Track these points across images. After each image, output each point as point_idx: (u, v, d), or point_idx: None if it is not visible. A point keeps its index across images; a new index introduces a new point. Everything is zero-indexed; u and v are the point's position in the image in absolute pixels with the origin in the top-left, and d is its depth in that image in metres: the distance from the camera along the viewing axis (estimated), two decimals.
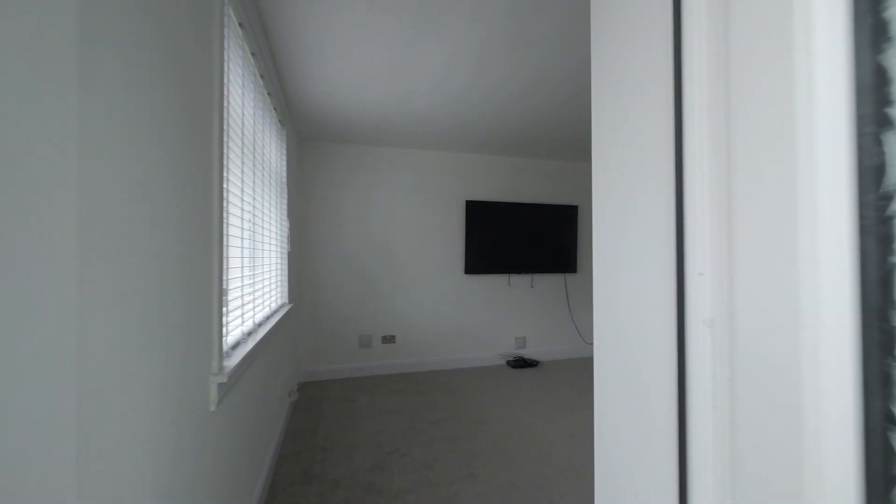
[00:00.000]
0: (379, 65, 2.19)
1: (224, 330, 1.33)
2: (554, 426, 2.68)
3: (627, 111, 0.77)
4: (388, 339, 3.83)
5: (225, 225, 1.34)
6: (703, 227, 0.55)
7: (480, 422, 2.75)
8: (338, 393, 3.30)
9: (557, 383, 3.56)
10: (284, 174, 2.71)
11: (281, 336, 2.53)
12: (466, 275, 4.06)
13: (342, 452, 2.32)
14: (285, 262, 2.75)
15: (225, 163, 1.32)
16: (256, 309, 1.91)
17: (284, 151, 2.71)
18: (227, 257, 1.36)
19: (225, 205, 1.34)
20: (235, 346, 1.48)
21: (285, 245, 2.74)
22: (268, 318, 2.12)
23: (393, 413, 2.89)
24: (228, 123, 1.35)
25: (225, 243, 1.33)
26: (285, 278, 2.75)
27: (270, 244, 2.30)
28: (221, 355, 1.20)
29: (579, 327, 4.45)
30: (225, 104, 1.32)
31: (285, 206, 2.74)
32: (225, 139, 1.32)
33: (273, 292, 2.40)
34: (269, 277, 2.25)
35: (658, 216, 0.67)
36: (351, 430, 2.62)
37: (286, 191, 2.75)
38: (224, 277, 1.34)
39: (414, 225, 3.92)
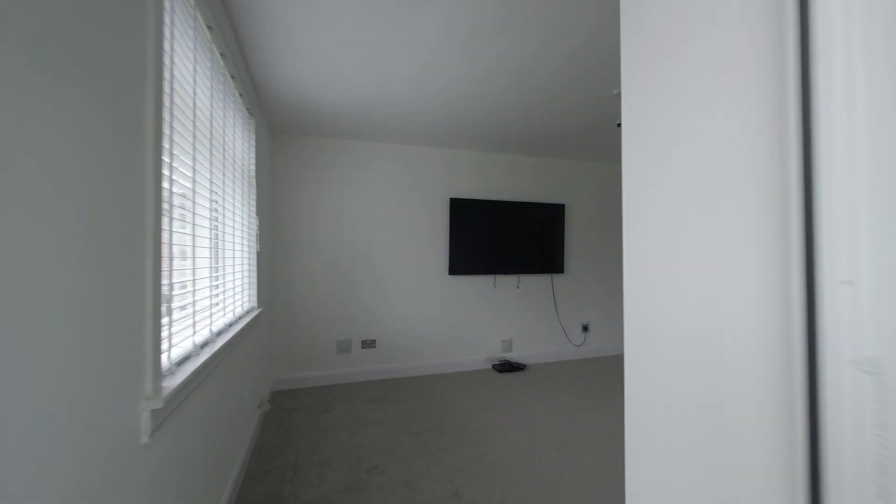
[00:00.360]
0: (356, 49, 2.01)
1: (167, 343, 1.13)
2: (542, 435, 2.54)
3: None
4: (369, 344, 3.64)
5: (168, 220, 1.14)
6: (855, 204, 0.33)
7: (465, 432, 2.58)
8: (313, 402, 3.09)
9: (544, 387, 3.42)
10: (253, 167, 2.49)
11: (249, 343, 2.32)
12: (451, 276, 3.89)
13: (315, 471, 2.13)
14: (254, 262, 2.53)
15: (168, 147, 1.13)
16: (216, 315, 1.71)
17: (253, 143, 2.50)
18: (172, 257, 1.16)
19: (168, 196, 1.14)
20: (184, 360, 1.28)
21: (254, 244, 2.53)
22: (231, 324, 1.91)
23: (372, 424, 2.70)
24: (172, 100, 1.16)
25: (168, 241, 1.14)
26: (254, 280, 2.54)
27: (235, 244, 2.09)
28: (158, 375, 1.00)
29: (566, 329, 4.34)
30: (167, 76, 1.12)
31: (254, 203, 2.53)
32: (168, 118, 1.12)
33: (239, 296, 2.19)
34: (234, 280, 2.04)
35: (760, 184, 0.44)
36: (326, 444, 2.42)
37: (255, 186, 2.54)
38: (167, 281, 1.14)
39: (395, 223, 3.73)
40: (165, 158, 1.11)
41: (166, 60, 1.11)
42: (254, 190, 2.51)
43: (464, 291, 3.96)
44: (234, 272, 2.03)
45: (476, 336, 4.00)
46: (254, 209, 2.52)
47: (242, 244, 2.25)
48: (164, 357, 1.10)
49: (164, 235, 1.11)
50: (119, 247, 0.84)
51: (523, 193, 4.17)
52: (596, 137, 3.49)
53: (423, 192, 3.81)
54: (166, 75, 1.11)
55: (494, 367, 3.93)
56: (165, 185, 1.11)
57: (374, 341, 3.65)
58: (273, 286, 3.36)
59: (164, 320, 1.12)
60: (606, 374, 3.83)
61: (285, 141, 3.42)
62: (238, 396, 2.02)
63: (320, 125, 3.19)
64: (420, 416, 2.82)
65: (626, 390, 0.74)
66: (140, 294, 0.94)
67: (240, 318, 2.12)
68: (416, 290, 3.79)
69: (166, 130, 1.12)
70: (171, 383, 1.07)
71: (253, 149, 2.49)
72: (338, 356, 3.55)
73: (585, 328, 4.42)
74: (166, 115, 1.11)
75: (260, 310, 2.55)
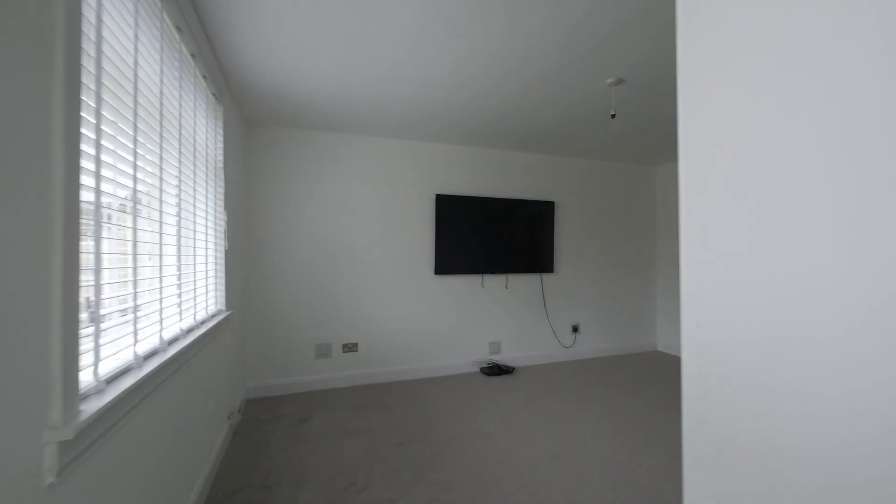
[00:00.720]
0: (331, 30, 1.83)
1: (91, 357, 0.94)
2: (533, 444, 2.39)
3: None
4: (350, 348, 3.45)
5: (94, 212, 0.95)
6: None
7: (452, 441, 2.42)
8: (290, 411, 2.89)
9: (534, 391, 3.29)
10: (221, 158, 2.29)
11: (215, 349, 2.12)
12: (436, 275, 3.73)
13: (288, 490, 1.94)
14: (222, 261, 2.33)
15: (95, 122, 0.94)
16: (169, 321, 1.51)
17: (221, 131, 2.29)
18: (100, 255, 0.98)
19: (97, 183, 0.95)
20: (118, 376, 1.08)
21: (222, 242, 2.33)
22: (191, 329, 1.72)
23: (352, 435, 2.52)
24: (101, 66, 0.97)
25: (94, 235, 0.95)
26: (222, 281, 2.33)
27: (197, 241, 1.88)
28: (73, 397, 0.81)
29: (556, 330, 4.22)
30: (91, 36, 0.93)
31: (222, 196, 2.32)
32: (94, 87, 0.94)
33: (203, 298, 1.99)
34: (195, 281, 1.84)
35: None
36: (301, 458, 2.23)
37: (224, 178, 2.33)
38: (96, 281, 0.95)
39: (378, 221, 3.55)
40: (88, 133, 0.92)
41: (89, 15, 0.92)
42: (221, 182, 2.31)
43: (450, 292, 3.80)
44: (194, 272, 1.83)
45: (463, 338, 3.85)
46: (221, 203, 2.32)
47: (207, 241, 2.05)
48: (86, 374, 0.91)
49: (89, 230, 0.93)
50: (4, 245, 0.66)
51: (512, 190, 4.03)
52: (587, 131, 3.37)
53: (407, 188, 3.64)
54: (88, 32, 0.92)
55: (482, 370, 3.78)
56: (88, 164, 0.92)
57: (355, 345, 3.46)
58: (247, 287, 3.15)
59: (89, 330, 0.94)
60: (597, 376, 3.72)
61: (260, 132, 3.21)
62: (199, 410, 1.82)
63: (297, 115, 3.00)
64: (404, 425, 2.65)
65: (687, 411, 0.60)
66: (44, 300, 0.75)
67: (203, 322, 1.92)
68: (401, 290, 3.62)
69: (90, 101, 0.93)
70: (95, 405, 0.88)
71: (220, 137, 2.29)
72: (317, 361, 3.35)
73: (575, 329, 4.30)
74: (89, 82, 0.92)
75: (229, 312, 2.35)
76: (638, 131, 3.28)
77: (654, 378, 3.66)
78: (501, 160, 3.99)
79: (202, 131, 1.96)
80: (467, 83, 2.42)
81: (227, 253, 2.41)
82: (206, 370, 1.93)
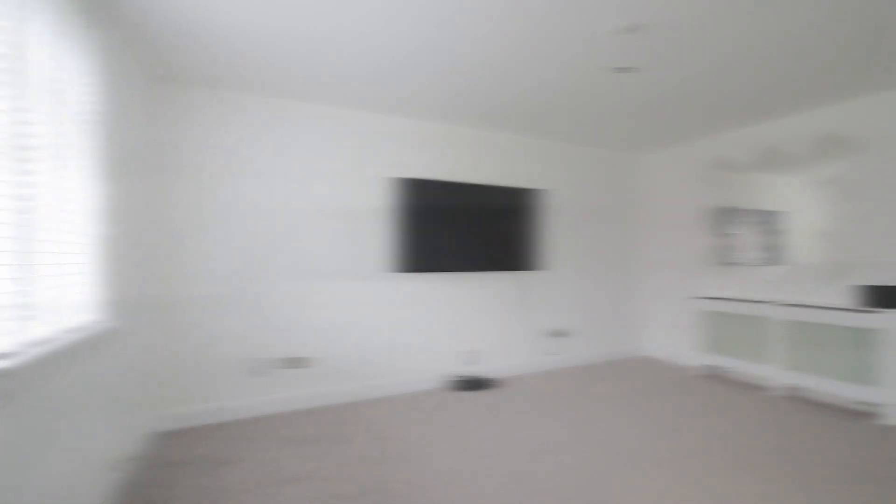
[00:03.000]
0: None
1: None
2: (532, 492, 1.86)
3: None
4: (293, 363, 2.79)
5: None
6: None
7: (422, 489, 1.85)
8: (210, 450, 2.21)
9: (521, 412, 2.77)
10: (92, 103, 1.60)
11: (76, 381, 1.44)
12: (401, 274, 3.14)
13: None
14: (95, 254, 1.63)
15: None
16: None
17: (91, 64, 1.60)
18: None
19: None
20: None
21: (95, 226, 1.63)
22: None
23: (289, 484, 1.89)
24: None
25: None
26: (93, 281, 1.64)
27: (20, 214, 1.20)
28: None
29: (539, 336, 3.72)
30: None
31: (92, 160, 1.62)
32: None
33: (44, 308, 1.30)
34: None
35: None
36: None
37: (97, 135, 1.63)
38: None
39: (327, 208, 2.91)
40: None
41: None
42: (94, 140, 1.61)
43: (418, 293, 3.22)
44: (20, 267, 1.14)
45: (433, 347, 3.28)
46: (92, 170, 1.62)
47: (41, 222, 1.36)
48: None
49: None
50: None
51: (489, 175, 3.50)
52: (582, 103, 2.88)
53: (363, 169, 3.03)
54: None
55: (457, 384, 3.22)
56: None
57: (299, 359, 2.81)
58: (154, 288, 2.43)
59: None
60: (590, 389, 3.26)
61: (173, 93, 2.49)
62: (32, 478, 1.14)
63: (219, 66, 2.31)
64: (360, 467, 2.05)
65: None
66: None
67: (32, 346, 1.24)
68: (355, 292, 3.00)
69: None
70: None
71: (88, 77, 1.59)
72: (251, 381, 2.68)
73: (561, 334, 3.83)
74: None
75: (108, 324, 1.66)
76: (655, 96, 2.71)
77: (655, 390, 3.24)
78: (476, 140, 3.45)
79: (47, 56, 1.27)
80: (438, 41, 1.84)
81: (104, 241, 1.70)
82: (53, 415, 1.24)
